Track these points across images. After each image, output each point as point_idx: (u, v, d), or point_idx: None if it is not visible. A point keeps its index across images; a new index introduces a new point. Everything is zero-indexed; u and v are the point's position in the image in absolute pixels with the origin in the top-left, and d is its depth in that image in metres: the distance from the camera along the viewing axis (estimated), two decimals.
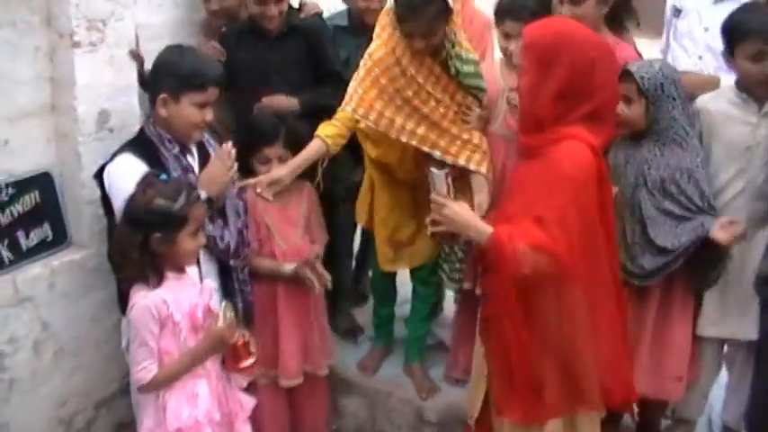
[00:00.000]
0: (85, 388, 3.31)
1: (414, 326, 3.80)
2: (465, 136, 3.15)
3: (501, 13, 3.28)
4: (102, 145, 3.15)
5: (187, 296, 2.65)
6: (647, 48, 3.69)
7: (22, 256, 3.08)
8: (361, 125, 3.26)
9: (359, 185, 3.66)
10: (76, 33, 3.03)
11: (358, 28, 3.87)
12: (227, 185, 3.01)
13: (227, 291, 3.15)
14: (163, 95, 2.91)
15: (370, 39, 3.19)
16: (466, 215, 2.66)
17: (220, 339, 2.69)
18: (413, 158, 3.29)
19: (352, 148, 3.49)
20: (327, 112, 3.38)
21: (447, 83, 3.12)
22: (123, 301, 2.77)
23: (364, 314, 4.18)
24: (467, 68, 3.09)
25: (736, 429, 3.40)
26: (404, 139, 3.13)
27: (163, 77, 2.95)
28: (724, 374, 3.48)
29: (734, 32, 3.01)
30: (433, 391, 3.69)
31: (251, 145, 3.31)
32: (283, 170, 3.27)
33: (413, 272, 3.71)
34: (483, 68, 3.20)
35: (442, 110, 3.13)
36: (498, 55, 3.41)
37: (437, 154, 3.12)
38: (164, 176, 2.69)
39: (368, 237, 3.95)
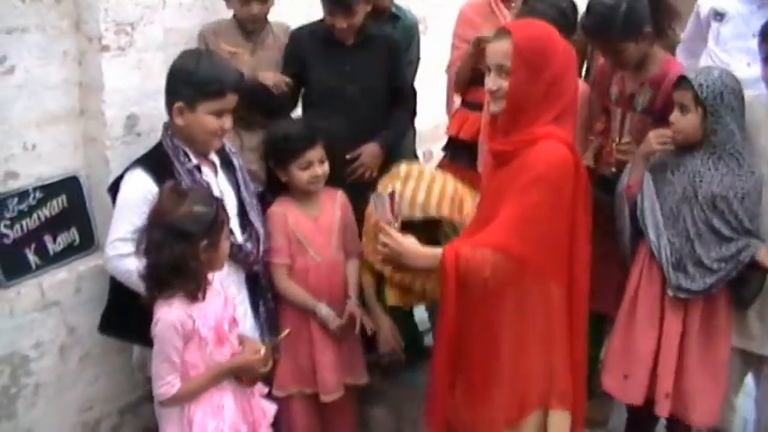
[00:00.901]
0: (111, 393, 3.29)
1: None
2: None
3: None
4: (129, 149, 3.13)
5: (213, 308, 2.60)
6: None
7: (48, 260, 3.07)
8: None
9: None
10: (105, 37, 3.02)
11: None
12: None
13: (253, 298, 3.14)
14: (179, 104, 2.84)
15: None
16: (410, 245, 2.62)
17: (250, 369, 2.66)
18: None
19: None
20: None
21: None
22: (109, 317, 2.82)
23: None
24: None
25: None
26: None
27: (178, 85, 2.87)
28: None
29: None
30: None
31: (294, 150, 3.20)
32: None
33: None
34: None
35: None
36: None
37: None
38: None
39: None
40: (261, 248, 3.07)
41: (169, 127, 2.92)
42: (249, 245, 3.02)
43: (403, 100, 3.80)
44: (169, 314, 2.48)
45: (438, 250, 2.57)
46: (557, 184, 2.50)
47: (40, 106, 3.01)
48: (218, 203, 2.60)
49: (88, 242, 3.20)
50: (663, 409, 3.00)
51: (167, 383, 2.50)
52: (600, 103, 3.43)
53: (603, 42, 3.17)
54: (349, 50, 3.63)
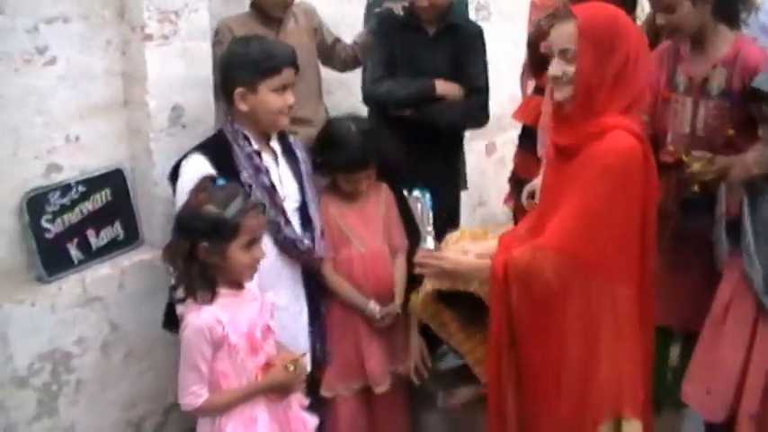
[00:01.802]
0: (155, 391, 3.22)
1: None
2: None
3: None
4: (174, 141, 3.05)
5: (246, 315, 2.48)
6: None
7: (91, 255, 3.01)
8: None
9: None
10: (148, 26, 2.94)
11: None
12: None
13: (310, 296, 3.04)
14: (239, 89, 2.80)
15: None
16: (459, 264, 2.56)
17: (281, 388, 2.55)
18: None
19: None
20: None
21: None
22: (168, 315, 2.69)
23: None
24: None
25: None
26: None
27: (234, 71, 2.83)
28: None
29: None
30: None
31: (344, 169, 3.13)
32: None
33: None
34: None
35: None
36: None
37: None
38: (221, 182, 2.53)
39: None
40: (318, 244, 2.97)
41: (230, 114, 2.88)
42: (307, 240, 2.92)
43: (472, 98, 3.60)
44: (197, 319, 2.37)
45: (487, 262, 2.46)
46: (625, 176, 2.32)
47: (83, 97, 2.94)
48: (246, 210, 2.44)
49: (132, 237, 3.13)
50: (745, 430, 2.77)
51: (192, 393, 2.40)
52: (656, 100, 3.14)
53: None
54: (429, 41, 3.50)
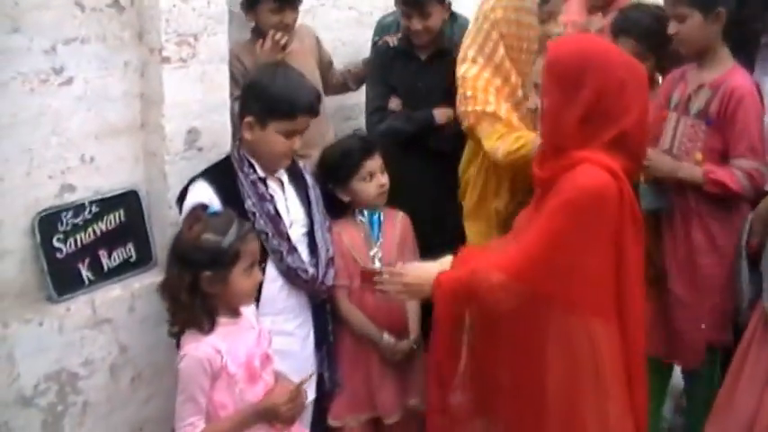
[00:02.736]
0: (163, 415, 3.16)
1: None
2: None
3: (614, 30, 3.05)
4: (189, 164, 3.03)
5: (244, 343, 2.45)
6: None
7: (102, 276, 2.99)
8: None
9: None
10: (166, 49, 2.93)
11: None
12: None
13: (318, 325, 2.99)
14: (249, 119, 2.78)
15: None
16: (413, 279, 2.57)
17: (277, 414, 2.49)
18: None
19: None
20: None
21: None
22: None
23: None
24: None
25: None
26: None
27: (251, 100, 2.82)
28: None
29: None
30: None
31: (355, 162, 3.11)
32: None
33: None
34: None
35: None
36: None
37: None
38: (213, 209, 2.51)
39: None
40: (326, 273, 2.92)
41: (239, 138, 2.85)
42: (311, 269, 2.87)
43: None
44: (196, 351, 2.35)
45: (430, 277, 2.46)
46: (589, 212, 2.26)
47: (100, 118, 2.94)
48: (243, 235, 2.43)
49: (145, 259, 3.11)
50: None
51: (189, 425, 2.37)
52: (658, 118, 3.13)
53: (672, 1, 2.98)
54: (423, 65, 3.49)
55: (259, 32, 3.44)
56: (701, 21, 2.89)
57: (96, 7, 2.85)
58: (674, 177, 2.94)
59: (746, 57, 3.11)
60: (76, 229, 2.91)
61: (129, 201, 3.05)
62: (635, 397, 2.41)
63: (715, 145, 2.94)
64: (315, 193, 2.99)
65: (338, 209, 3.14)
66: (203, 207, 2.54)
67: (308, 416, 2.95)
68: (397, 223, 3.22)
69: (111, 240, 3.01)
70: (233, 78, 3.26)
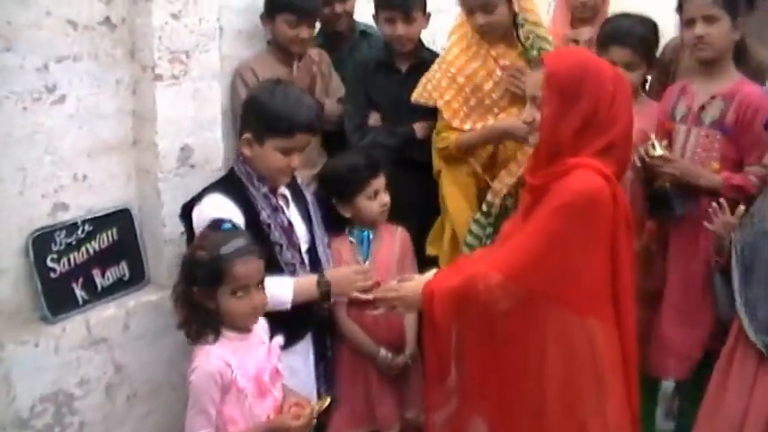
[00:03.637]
0: None
1: None
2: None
3: (606, 40, 3.08)
4: (182, 181, 3.03)
5: (254, 359, 2.45)
6: None
7: (97, 296, 2.97)
8: None
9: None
10: (158, 66, 2.92)
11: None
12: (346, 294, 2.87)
13: (318, 343, 3.00)
14: (247, 135, 2.77)
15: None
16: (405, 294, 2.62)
17: None
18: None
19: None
20: None
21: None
22: None
23: None
24: (541, 32, 3.21)
25: None
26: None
27: (249, 116, 2.81)
28: None
29: None
30: None
31: (362, 180, 3.10)
32: None
33: None
34: None
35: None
36: None
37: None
38: (227, 225, 2.51)
39: None
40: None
41: (240, 154, 2.84)
42: None
43: None
44: (207, 364, 2.34)
45: (417, 287, 2.53)
46: (585, 215, 2.32)
47: (92, 136, 2.92)
48: (234, 257, 2.41)
49: (138, 277, 3.09)
50: None
51: None
52: (661, 130, 3.18)
53: (704, 3, 2.97)
54: (404, 78, 3.53)
55: (276, 46, 3.44)
56: (728, 25, 2.94)
57: (88, 25, 2.85)
58: (694, 183, 2.97)
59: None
60: (70, 248, 2.89)
61: (121, 219, 3.04)
62: (631, 398, 2.47)
63: (730, 154, 2.99)
64: (314, 210, 2.99)
65: (334, 223, 3.14)
66: (219, 222, 2.53)
67: None
68: (397, 239, 3.22)
69: (104, 259, 2.99)
70: (246, 90, 3.27)
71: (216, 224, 2.53)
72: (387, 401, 3.14)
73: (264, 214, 2.77)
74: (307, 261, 2.92)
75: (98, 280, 2.98)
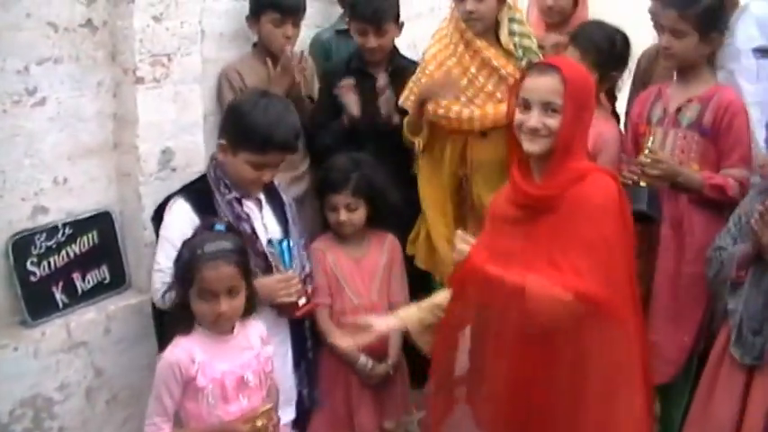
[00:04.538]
0: None
1: None
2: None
3: (569, 40, 3.19)
4: (164, 185, 3.02)
5: (226, 361, 2.45)
6: None
7: (77, 299, 2.95)
8: None
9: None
10: (139, 69, 2.92)
11: None
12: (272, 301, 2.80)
13: (297, 345, 2.99)
14: (222, 141, 2.77)
15: None
16: None
17: None
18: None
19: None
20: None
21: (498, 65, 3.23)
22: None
23: None
24: (527, 42, 3.25)
25: None
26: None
27: (228, 123, 2.81)
28: None
29: None
30: None
31: (321, 191, 3.17)
32: None
33: None
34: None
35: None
36: None
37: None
38: (219, 227, 2.53)
39: None
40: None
41: (214, 158, 2.83)
42: None
43: None
44: (171, 354, 2.38)
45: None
46: (618, 213, 2.35)
47: (73, 139, 2.91)
48: (199, 262, 2.41)
49: (119, 280, 3.08)
50: None
51: (153, 424, 2.44)
52: (634, 136, 3.24)
53: (673, 17, 3.01)
54: (375, 85, 3.53)
55: (261, 48, 3.44)
56: (696, 41, 2.98)
57: (69, 28, 2.83)
58: (673, 180, 2.98)
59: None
60: (50, 251, 2.87)
61: (102, 222, 3.02)
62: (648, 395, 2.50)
63: (708, 155, 3.02)
64: (291, 214, 2.99)
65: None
66: (211, 223, 2.54)
67: None
68: (385, 246, 3.24)
69: (84, 263, 2.98)
70: (232, 92, 3.28)
71: (208, 224, 2.54)
72: (366, 409, 3.14)
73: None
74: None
75: (78, 284, 2.96)
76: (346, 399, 3.14)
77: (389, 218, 3.25)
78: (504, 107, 3.13)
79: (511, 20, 3.26)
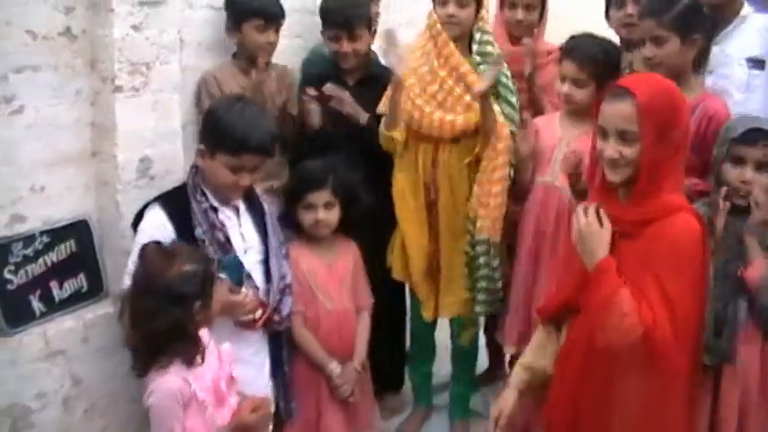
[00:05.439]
0: None
1: (457, 382, 3.76)
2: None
3: (562, 54, 3.22)
4: (142, 193, 3.01)
5: (209, 368, 2.45)
6: None
7: (54, 308, 2.94)
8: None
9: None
10: (118, 77, 2.91)
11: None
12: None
13: (275, 352, 3.00)
14: (200, 146, 2.79)
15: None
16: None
17: (244, 427, 2.51)
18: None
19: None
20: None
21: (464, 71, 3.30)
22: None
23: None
24: (489, 49, 3.33)
25: None
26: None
27: (206, 127, 2.83)
28: None
29: None
30: None
31: (298, 191, 3.17)
32: None
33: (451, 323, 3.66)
34: (542, 119, 3.37)
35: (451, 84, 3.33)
36: None
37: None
38: (165, 245, 2.56)
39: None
40: (280, 301, 2.93)
41: (194, 165, 2.85)
42: (263, 297, 2.88)
43: None
44: (166, 383, 2.34)
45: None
46: (701, 263, 2.31)
47: (51, 147, 2.90)
48: (204, 255, 2.46)
49: (97, 289, 3.07)
50: None
51: None
52: None
53: (651, 25, 3.04)
54: (351, 91, 3.55)
55: (243, 55, 3.45)
56: (678, 45, 2.99)
57: (48, 36, 2.83)
58: None
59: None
60: (27, 260, 2.86)
61: (79, 230, 3.01)
62: None
63: (694, 164, 2.99)
64: (271, 222, 3.00)
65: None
66: (156, 244, 2.54)
67: None
68: (351, 251, 3.27)
69: (62, 271, 2.97)
70: (209, 98, 3.28)
71: (155, 245, 2.55)
72: (334, 417, 3.16)
73: (200, 230, 2.77)
74: (261, 272, 2.92)
75: (56, 292, 2.95)
76: (317, 407, 3.15)
77: (361, 225, 3.28)
78: (473, 115, 3.23)
79: (478, 29, 3.34)
